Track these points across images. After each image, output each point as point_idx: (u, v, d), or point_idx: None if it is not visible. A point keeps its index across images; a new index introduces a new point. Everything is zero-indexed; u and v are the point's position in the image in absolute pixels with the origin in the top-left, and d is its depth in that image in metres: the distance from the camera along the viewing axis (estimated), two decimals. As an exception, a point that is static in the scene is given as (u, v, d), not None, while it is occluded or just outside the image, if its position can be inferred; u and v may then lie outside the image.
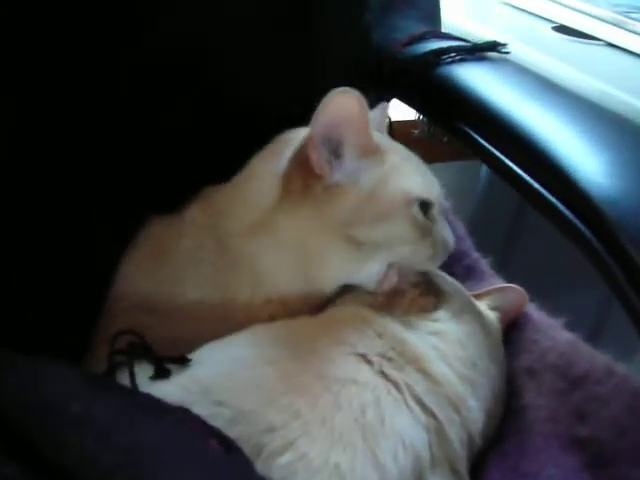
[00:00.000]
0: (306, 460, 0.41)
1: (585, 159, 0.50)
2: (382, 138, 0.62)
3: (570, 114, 0.57)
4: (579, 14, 1.08)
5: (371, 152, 0.56)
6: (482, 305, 0.67)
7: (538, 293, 0.71)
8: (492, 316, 0.66)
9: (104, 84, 0.63)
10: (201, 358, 0.52)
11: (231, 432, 0.42)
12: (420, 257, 0.59)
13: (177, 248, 0.62)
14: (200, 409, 0.43)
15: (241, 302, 0.59)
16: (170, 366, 0.52)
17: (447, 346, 0.55)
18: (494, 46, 0.69)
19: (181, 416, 0.43)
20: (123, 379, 0.49)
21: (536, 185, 0.52)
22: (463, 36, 0.79)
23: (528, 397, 0.57)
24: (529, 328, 0.67)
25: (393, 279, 0.58)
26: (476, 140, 0.59)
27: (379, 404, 0.46)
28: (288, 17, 0.71)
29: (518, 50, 0.95)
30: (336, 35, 0.74)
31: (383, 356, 0.51)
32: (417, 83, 0.68)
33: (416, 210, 0.56)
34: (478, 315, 0.61)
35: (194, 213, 0.64)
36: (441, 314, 0.58)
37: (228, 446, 0.41)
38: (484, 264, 0.82)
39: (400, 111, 1.02)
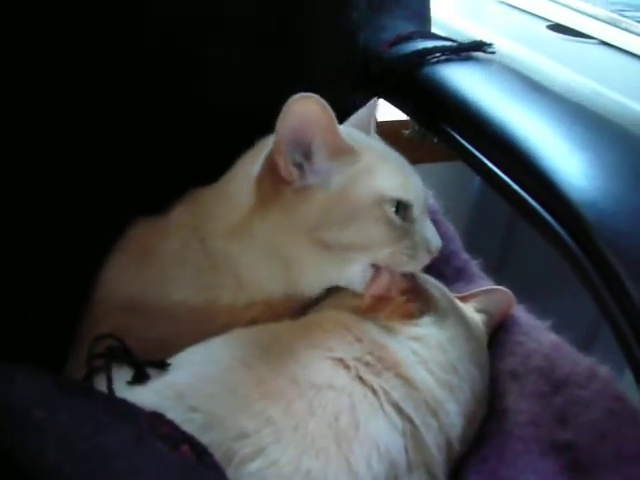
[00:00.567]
0: (277, 467, 0.41)
1: (563, 161, 0.50)
2: (361, 137, 0.61)
3: (552, 115, 0.56)
4: (574, 12, 1.08)
5: (342, 153, 0.55)
6: (468, 307, 0.67)
7: (533, 295, 0.71)
8: (477, 319, 0.66)
9: (91, 85, 0.63)
10: (180, 362, 0.52)
11: (204, 438, 0.42)
12: (400, 259, 0.57)
13: (162, 249, 0.62)
14: (174, 414, 0.43)
15: (224, 304, 0.59)
16: (150, 370, 0.52)
17: (427, 351, 0.54)
18: (480, 46, 0.68)
19: (153, 421, 0.43)
20: (102, 383, 0.49)
21: (515, 187, 0.51)
22: (457, 35, 0.78)
23: (510, 400, 0.57)
24: (515, 330, 0.67)
25: (384, 282, 0.58)
26: (458, 141, 0.59)
27: (354, 409, 0.46)
28: (273, 19, 0.71)
29: (512, 49, 0.95)
30: (322, 35, 0.73)
31: (361, 361, 0.50)
32: (402, 83, 0.68)
33: (389, 210, 0.55)
34: (461, 319, 0.61)
35: (179, 214, 0.65)
36: (424, 319, 0.58)
37: (200, 452, 0.41)
38: (473, 266, 0.82)
39: (391, 111, 1.02)
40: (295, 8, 0.71)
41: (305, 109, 0.51)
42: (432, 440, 0.49)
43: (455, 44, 0.69)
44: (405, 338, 0.54)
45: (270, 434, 0.43)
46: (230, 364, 0.49)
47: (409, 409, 0.49)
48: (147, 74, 0.66)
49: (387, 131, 0.80)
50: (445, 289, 0.64)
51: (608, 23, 1.03)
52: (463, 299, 0.68)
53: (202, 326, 0.57)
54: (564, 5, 1.10)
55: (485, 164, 0.55)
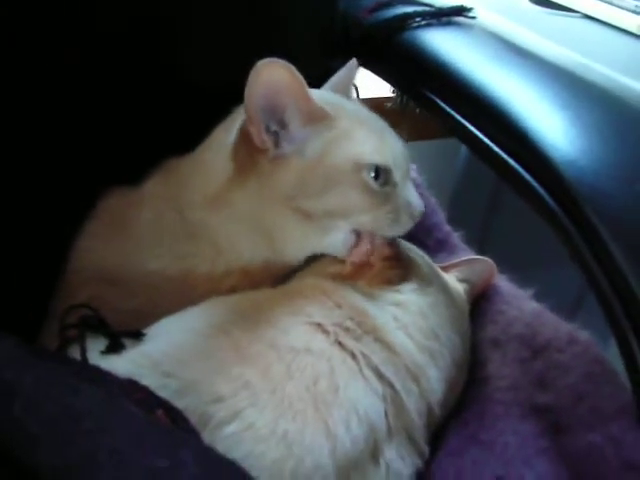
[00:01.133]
0: (253, 429, 0.41)
1: (544, 121, 0.49)
2: (338, 100, 0.59)
3: (532, 77, 0.55)
4: (556, -15, 1.07)
5: (317, 119, 0.53)
6: (450, 277, 0.67)
7: (520, 265, 0.71)
8: (459, 288, 0.66)
9: (61, 54, 0.61)
10: (156, 332, 0.51)
11: (179, 403, 0.41)
12: (382, 224, 0.56)
13: (137, 219, 0.61)
14: (149, 381, 0.43)
15: (201, 273, 0.59)
16: (125, 341, 0.51)
17: (408, 317, 0.54)
18: (460, 10, 0.67)
19: (127, 387, 0.42)
20: (75, 354, 0.48)
21: (496, 149, 0.50)
22: (434, 2, 0.77)
23: (491, 367, 0.57)
24: (497, 299, 0.67)
25: (365, 249, 0.57)
26: (439, 105, 0.58)
27: (333, 373, 0.46)
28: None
29: (494, 22, 0.93)
30: (300, 1, 0.72)
31: (340, 326, 0.49)
32: (382, 49, 0.66)
33: (367, 176, 0.54)
34: (443, 286, 0.60)
35: (155, 184, 0.63)
36: (405, 286, 0.57)
37: (175, 416, 0.40)
38: (455, 237, 0.81)
39: (373, 88, 1.01)
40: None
41: (273, 75, 0.49)
42: (413, 405, 0.49)
43: (435, 9, 0.67)
44: (385, 304, 0.54)
45: (246, 398, 0.42)
46: (207, 331, 0.48)
47: (389, 374, 0.48)
48: (117, 44, 0.64)
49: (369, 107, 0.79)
50: (427, 257, 0.64)
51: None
52: (445, 269, 0.68)
53: (180, 296, 0.57)
54: (547, -22, 1.09)
55: (466, 127, 0.54)
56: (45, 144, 0.63)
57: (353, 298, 0.53)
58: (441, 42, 0.62)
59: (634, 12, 0.96)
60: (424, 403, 0.50)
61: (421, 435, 0.49)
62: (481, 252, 0.78)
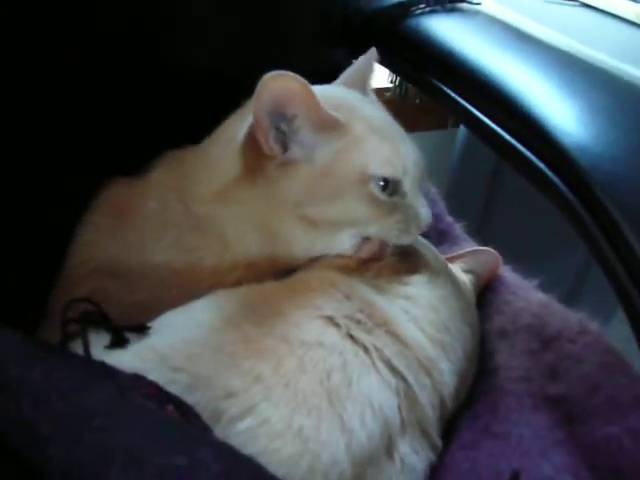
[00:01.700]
0: (267, 425, 0.40)
1: (555, 108, 0.48)
2: (352, 102, 0.57)
3: (540, 63, 0.55)
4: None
5: (328, 126, 0.52)
6: (456, 268, 0.66)
7: (516, 257, 0.70)
8: (465, 279, 0.65)
9: (58, 52, 0.60)
10: (161, 325, 0.50)
11: (189, 398, 0.40)
12: (390, 234, 0.55)
13: (141, 210, 0.60)
14: (157, 376, 0.41)
15: (207, 266, 0.58)
16: (129, 335, 0.50)
17: (418, 310, 0.53)
18: (465, -3, 0.66)
19: (136, 383, 0.40)
20: (78, 349, 0.47)
21: (507, 136, 0.50)
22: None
23: (500, 358, 0.56)
24: (502, 290, 0.66)
25: (374, 247, 0.56)
26: (445, 92, 0.57)
27: (346, 367, 0.45)
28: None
29: (493, 11, 0.93)
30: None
31: (351, 319, 0.48)
32: (385, 37, 0.65)
33: (374, 187, 0.53)
34: (451, 278, 0.60)
35: (161, 174, 0.62)
36: (414, 278, 0.56)
37: (186, 412, 0.39)
38: (457, 228, 0.81)
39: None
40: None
41: (280, 88, 0.48)
42: (426, 399, 0.48)
43: (439, -5, 0.66)
44: (395, 297, 0.53)
45: (260, 392, 0.41)
46: (215, 324, 0.47)
47: (402, 367, 0.47)
48: (117, 38, 0.63)
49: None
50: (434, 249, 0.63)
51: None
52: (450, 260, 0.67)
53: (185, 289, 0.56)
54: (545, -33, 1.08)
55: (474, 114, 0.53)
56: (45, 137, 0.62)
57: (362, 290, 0.52)
58: (446, 29, 0.61)
59: (633, 0, 0.95)
60: (437, 396, 0.49)
61: (434, 429, 0.48)
62: (480, 243, 0.78)
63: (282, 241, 0.56)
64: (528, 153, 0.48)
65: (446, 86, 0.57)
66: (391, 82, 0.96)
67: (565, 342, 0.53)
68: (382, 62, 0.70)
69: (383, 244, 0.56)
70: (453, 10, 0.66)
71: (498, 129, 0.51)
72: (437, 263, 0.59)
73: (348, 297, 0.51)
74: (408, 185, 0.55)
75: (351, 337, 0.47)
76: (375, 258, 0.56)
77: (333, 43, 0.70)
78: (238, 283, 0.56)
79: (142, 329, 0.50)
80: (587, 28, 0.94)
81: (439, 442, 0.49)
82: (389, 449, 0.44)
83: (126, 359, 0.45)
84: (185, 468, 0.30)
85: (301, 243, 0.56)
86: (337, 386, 0.43)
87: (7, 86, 0.58)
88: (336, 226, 0.55)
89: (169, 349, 0.44)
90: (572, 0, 1.01)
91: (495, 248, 0.70)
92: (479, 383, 0.55)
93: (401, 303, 0.52)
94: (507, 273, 0.69)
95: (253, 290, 0.52)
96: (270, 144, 0.51)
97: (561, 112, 0.48)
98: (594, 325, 0.55)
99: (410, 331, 0.50)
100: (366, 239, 0.56)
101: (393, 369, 0.47)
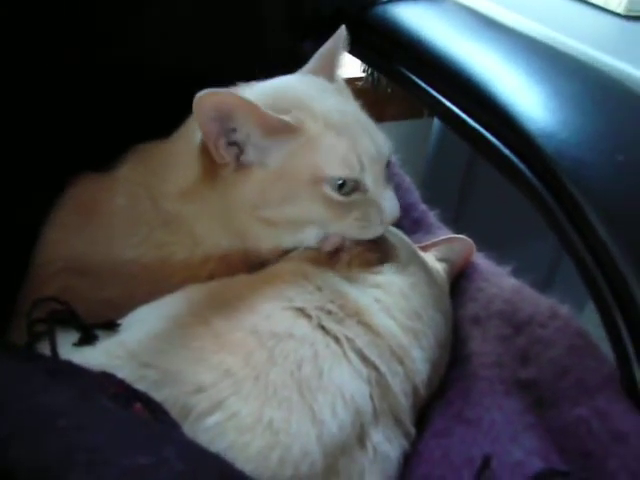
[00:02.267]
0: (237, 419, 0.39)
1: (521, 94, 0.48)
2: (310, 95, 0.55)
3: (508, 51, 0.55)
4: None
5: (278, 130, 0.51)
6: (429, 256, 0.66)
7: (490, 246, 0.70)
8: (439, 267, 0.65)
9: (29, 47, 0.59)
10: (132, 322, 0.49)
11: (158, 395, 0.40)
12: (349, 231, 0.55)
13: (109, 206, 0.59)
14: (126, 373, 0.41)
15: (179, 260, 0.57)
16: (98, 332, 0.49)
17: (389, 298, 0.53)
18: (433, -15, 0.66)
19: (103, 382, 0.40)
20: (46, 349, 0.46)
21: (473, 123, 0.49)
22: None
23: (473, 344, 0.57)
24: (476, 277, 0.67)
25: (335, 240, 0.56)
26: (413, 81, 0.56)
27: (317, 358, 0.44)
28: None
29: (470, 1, 0.93)
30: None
31: (322, 309, 0.48)
32: (354, 25, 0.64)
33: (328, 189, 0.52)
34: (423, 266, 0.60)
35: (129, 170, 0.61)
36: (385, 267, 0.56)
37: (154, 409, 0.39)
38: (432, 216, 0.81)
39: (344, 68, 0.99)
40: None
41: (215, 105, 0.48)
42: (398, 387, 0.48)
43: (407, -18, 0.66)
44: (366, 286, 0.53)
45: (229, 386, 0.41)
46: (184, 320, 0.46)
47: (373, 356, 0.47)
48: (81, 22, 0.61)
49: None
50: (405, 237, 0.63)
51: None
52: (424, 248, 0.67)
53: (157, 284, 0.55)
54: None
55: (441, 102, 0.53)
56: (10, 136, 0.61)
57: (333, 281, 0.52)
58: (413, 16, 0.61)
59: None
60: (409, 384, 0.49)
61: (407, 416, 0.48)
62: (454, 231, 0.78)
63: (249, 238, 0.56)
64: (495, 141, 0.48)
65: (414, 75, 0.57)
66: (363, 71, 0.95)
67: (536, 327, 0.54)
68: (352, 52, 0.70)
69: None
70: (421, -3, 0.66)
71: (466, 117, 0.51)
72: (407, 251, 0.59)
73: (319, 288, 0.50)
74: (369, 180, 0.53)
75: (322, 328, 0.47)
76: (341, 247, 0.55)
77: (303, 33, 0.69)
78: (211, 277, 0.56)
79: (112, 326, 0.49)
80: (572, 20, 0.94)
81: (412, 430, 0.49)
82: (361, 438, 0.44)
83: (95, 356, 0.44)
84: (149, 467, 0.30)
85: (266, 241, 0.56)
86: (308, 377, 0.43)
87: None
88: (295, 225, 0.54)
89: (138, 345, 0.44)
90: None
91: (469, 236, 0.70)
92: (452, 370, 0.56)
93: (372, 292, 0.52)
94: (480, 260, 0.69)
95: (224, 284, 0.52)
96: (220, 153, 0.52)
97: (528, 99, 0.48)
98: (565, 309, 0.56)
99: (381, 320, 0.50)
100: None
101: (365, 359, 0.47)
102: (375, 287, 0.53)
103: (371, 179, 0.54)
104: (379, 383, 0.47)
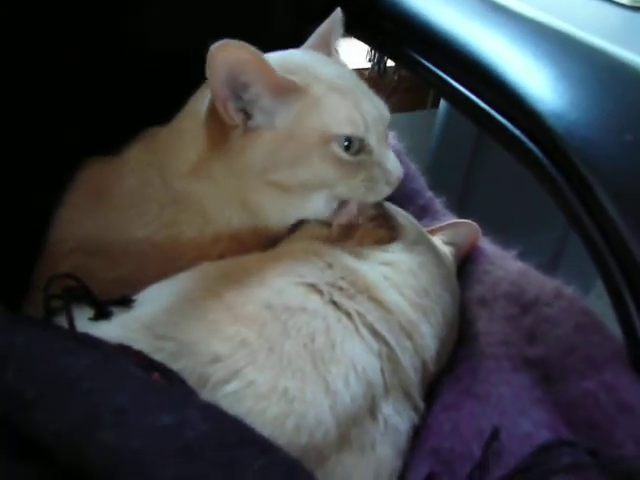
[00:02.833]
0: (253, 387, 0.40)
1: (531, 76, 0.49)
2: (312, 62, 0.57)
3: (517, 34, 0.55)
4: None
5: (285, 90, 0.52)
6: (437, 240, 0.67)
7: (494, 234, 0.71)
8: (446, 250, 0.66)
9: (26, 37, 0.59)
10: (145, 298, 0.50)
11: (175, 365, 0.41)
12: (358, 192, 0.56)
13: (120, 187, 0.60)
14: (142, 346, 0.42)
15: (189, 240, 0.58)
16: (113, 308, 0.50)
17: (399, 275, 0.54)
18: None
19: (121, 351, 0.41)
20: (62, 324, 0.47)
21: (483, 105, 0.50)
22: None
23: (480, 325, 0.57)
24: (482, 260, 0.67)
25: (352, 211, 0.57)
26: (421, 63, 0.57)
27: (329, 331, 0.45)
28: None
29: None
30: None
31: (333, 285, 0.49)
32: (362, 9, 0.65)
33: (337, 148, 0.53)
34: (431, 247, 0.61)
35: (138, 152, 0.62)
36: (394, 246, 0.57)
37: (172, 378, 0.40)
38: (437, 203, 0.81)
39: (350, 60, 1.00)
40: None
41: (230, 57, 0.48)
42: (408, 361, 0.49)
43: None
44: (376, 263, 0.54)
45: (245, 356, 0.41)
46: (198, 294, 0.47)
47: (384, 331, 0.48)
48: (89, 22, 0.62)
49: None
50: (413, 218, 0.64)
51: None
52: (431, 233, 0.68)
53: (167, 263, 0.56)
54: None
55: (451, 84, 0.54)
56: (25, 121, 0.62)
57: (344, 258, 0.53)
58: (422, 0, 0.61)
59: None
60: (419, 359, 0.50)
61: (416, 391, 0.49)
62: (460, 218, 0.79)
63: (257, 210, 0.57)
64: (505, 121, 0.49)
65: (423, 58, 0.58)
66: (369, 60, 0.96)
67: (542, 307, 0.54)
68: (360, 37, 0.71)
69: (360, 207, 0.57)
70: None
71: (475, 98, 0.51)
72: (416, 232, 0.60)
73: (330, 265, 0.51)
74: (373, 141, 0.55)
75: (334, 303, 0.48)
76: (354, 225, 0.56)
77: (310, 19, 0.70)
78: (222, 256, 0.56)
79: (126, 302, 0.50)
80: (578, 10, 0.95)
81: (421, 404, 0.50)
82: (373, 410, 0.45)
83: (111, 330, 0.45)
84: (173, 427, 0.31)
85: (275, 209, 0.57)
86: (321, 349, 0.44)
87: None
88: (305, 189, 0.55)
89: (153, 319, 0.45)
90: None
91: (476, 222, 0.71)
92: (460, 349, 0.56)
93: (382, 269, 0.53)
94: (486, 244, 0.70)
95: (236, 262, 0.53)
96: (230, 113, 0.52)
97: (537, 80, 0.49)
98: (570, 290, 0.57)
99: (391, 296, 0.51)
100: (343, 204, 0.57)
101: (376, 333, 0.48)
102: (385, 264, 0.54)
103: (375, 139, 0.55)
104: (389, 358, 0.48)
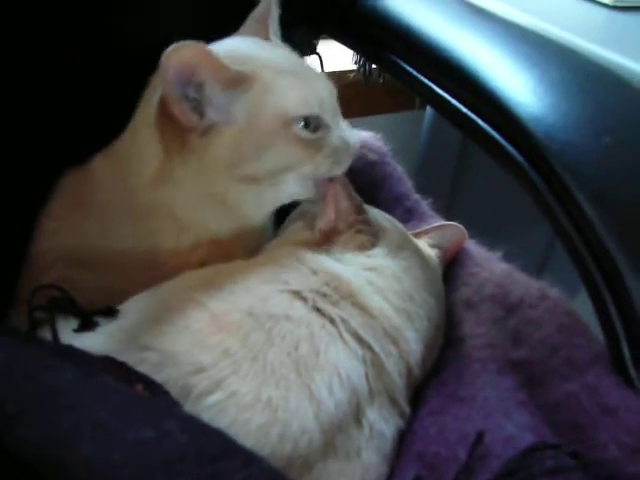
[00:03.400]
0: (236, 397, 0.40)
1: (510, 79, 0.49)
2: (255, 50, 0.57)
3: (497, 37, 0.55)
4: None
5: (237, 82, 0.52)
6: (422, 243, 0.67)
7: (481, 235, 0.72)
8: (432, 253, 0.66)
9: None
10: (129, 308, 0.50)
11: (158, 376, 0.41)
12: (324, 168, 0.57)
13: (92, 200, 0.60)
14: (126, 356, 0.42)
15: (168, 249, 0.58)
16: (98, 319, 0.50)
17: (383, 281, 0.54)
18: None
19: (104, 364, 0.41)
20: (46, 335, 0.47)
21: (464, 109, 0.50)
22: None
23: (466, 327, 0.58)
24: (468, 263, 0.68)
25: (330, 217, 0.57)
26: (404, 69, 0.57)
27: (313, 338, 0.45)
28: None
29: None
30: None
31: (317, 292, 0.49)
32: (345, 16, 0.65)
33: (297, 128, 0.54)
34: (416, 251, 0.61)
35: (100, 164, 0.61)
36: (377, 250, 0.57)
37: (155, 390, 0.40)
38: (424, 205, 0.82)
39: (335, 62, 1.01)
40: None
41: (184, 58, 0.48)
42: (393, 367, 0.49)
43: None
44: (360, 269, 0.54)
45: (228, 366, 0.42)
46: (181, 304, 0.47)
47: (368, 337, 0.48)
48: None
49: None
50: (398, 222, 0.64)
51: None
52: (416, 235, 0.68)
53: (150, 273, 0.56)
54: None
55: (433, 89, 0.54)
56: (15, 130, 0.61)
57: (327, 264, 0.53)
58: (405, 5, 0.61)
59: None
60: (404, 364, 0.50)
61: (402, 396, 0.50)
62: (447, 220, 0.79)
63: (232, 206, 0.57)
64: (485, 125, 0.49)
65: (405, 63, 0.58)
66: (355, 63, 0.96)
67: (526, 308, 0.55)
68: (343, 41, 0.71)
69: (339, 210, 0.57)
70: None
71: (456, 103, 0.52)
72: (400, 236, 0.61)
73: (314, 271, 0.51)
74: (329, 117, 0.56)
75: (318, 310, 0.48)
76: (335, 229, 0.56)
77: (293, 23, 0.70)
78: (203, 262, 0.56)
79: (110, 312, 0.50)
80: (561, 11, 0.95)
81: (407, 409, 0.50)
82: (358, 417, 0.45)
83: (95, 341, 0.45)
84: (153, 439, 0.31)
85: (249, 203, 0.57)
86: (305, 357, 0.44)
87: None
88: (274, 175, 0.55)
89: (137, 328, 0.45)
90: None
91: (463, 225, 0.71)
92: (446, 352, 0.57)
93: (365, 275, 0.53)
94: (472, 246, 0.70)
95: (218, 269, 0.53)
96: (187, 114, 0.51)
97: (516, 84, 0.49)
98: (554, 291, 0.57)
99: (375, 302, 0.51)
100: (322, 183, 0.58)
101: (360, 339, 0.48)
102: (369, 270, 0.54)
103: (329, 115, 0.56)
104: (374, 363, 0.48)
